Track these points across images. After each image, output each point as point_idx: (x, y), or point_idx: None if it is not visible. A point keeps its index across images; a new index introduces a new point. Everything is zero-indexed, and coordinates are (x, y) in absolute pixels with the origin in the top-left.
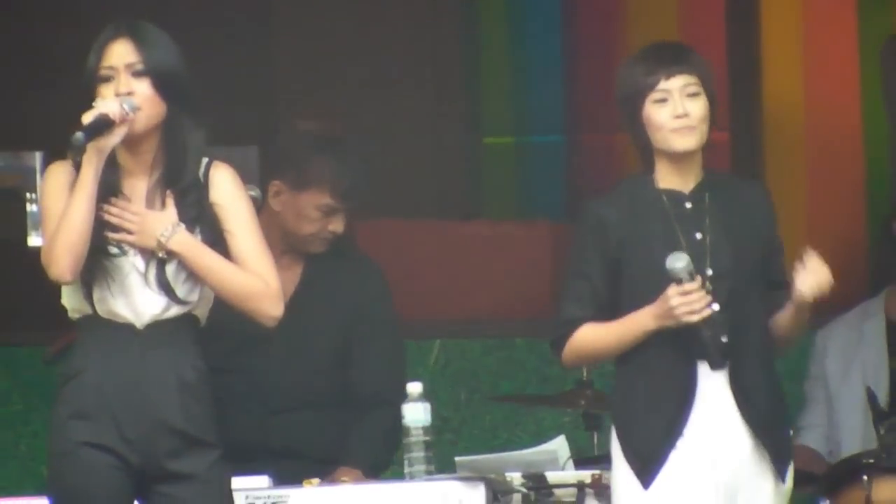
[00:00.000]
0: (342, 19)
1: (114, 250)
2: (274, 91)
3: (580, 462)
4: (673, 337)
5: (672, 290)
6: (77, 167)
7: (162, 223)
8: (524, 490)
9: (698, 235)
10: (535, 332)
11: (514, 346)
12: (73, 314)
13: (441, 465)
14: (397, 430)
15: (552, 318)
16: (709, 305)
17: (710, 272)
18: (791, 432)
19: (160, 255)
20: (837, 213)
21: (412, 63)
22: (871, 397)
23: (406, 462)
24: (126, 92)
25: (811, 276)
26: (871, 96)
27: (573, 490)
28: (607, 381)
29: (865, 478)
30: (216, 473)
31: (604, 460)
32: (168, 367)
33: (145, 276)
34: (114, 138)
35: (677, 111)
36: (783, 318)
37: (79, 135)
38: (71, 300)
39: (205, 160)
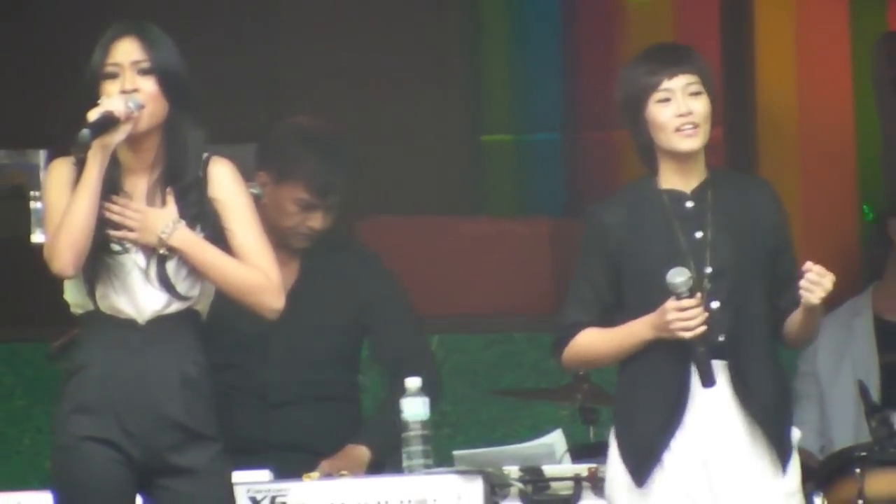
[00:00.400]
0: (345, 17)
1: (116, 248)
2: (277, 89)
3: (577, 455)
4: (671, 340)
5: (670, 304)
6: (80, 164)
7: (163, 220)
8: (521, 483)
9: (699, 234)
10: (533, 326)
11: (512, 340)
12: (76, 309)
13: (439, 458)
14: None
15: (552, 315)
16: (706, 308)
17: (709, 269)
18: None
19: (161, 251)
20: (830, 211)
21: (413, 62)
22: (864, 391)
23: (405, 456)
24: (132, 89)
25: (815, 286)
26: (864, 94)
27: (570, 483)
28: (604, 376)
29: (858, 471)
30: (217, 467)
31: (600, 453)
32: (170, 362)
33: (146, 272)
34: (118, 135)
35: (680, 110)
36: (794, 320)
37: (85, 131)
38: (73, 296)
39: (204, 155)
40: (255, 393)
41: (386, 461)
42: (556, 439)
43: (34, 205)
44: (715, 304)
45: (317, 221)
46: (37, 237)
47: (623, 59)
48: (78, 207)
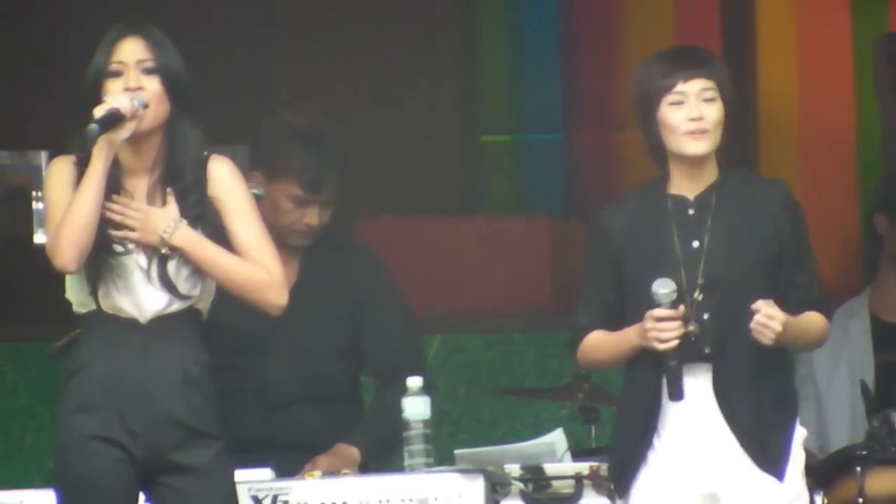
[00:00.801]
0: (342, 17)
1: (119, 249)
2: (274, 89)
3: (578, 454)
4: (649, 357)
5: (649, 313)
6: (80, 164)
7: (164, 219)
8: (522, 482)
9: (695, 243)
10: (533, 326)
11: (512, 340)
12: (78, 309)
13: (440, 457)
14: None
15: (551, 315)
16: (697, 319)
17: (701, 280)
18: (795, 433)
19: (163, 251)
20: (831, 211)
21: (411, 62)
22: (865, 390)
23: (406, 454)
24: (136, 87)
25: (764, 328)
26: (865, 94)
27: (571, 482)
28: (605, 376)
29: (858, 469)
30: (220, 465)
31: (601, 452)
32: (172, 361)
33: (147, 272)
34: (124, 132)
35: (692, 114)
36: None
37: (93, 126)
38: (75, 295)
39: (203, 153)
40: (257, 393)
41: (374, 462)
42: (557, 438)
43: (36, 205)
44: (705, 316)
45: (313, 217)
46: (39, 237)
47: (622, 60)
48: (82, 203)
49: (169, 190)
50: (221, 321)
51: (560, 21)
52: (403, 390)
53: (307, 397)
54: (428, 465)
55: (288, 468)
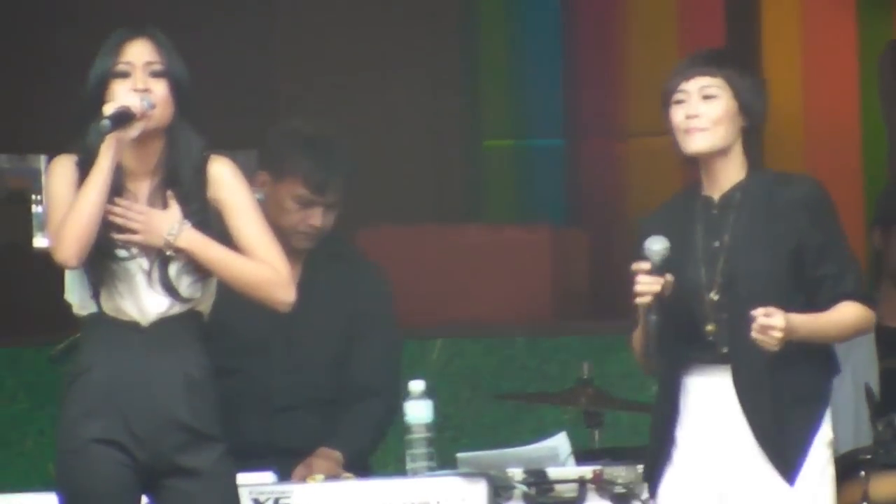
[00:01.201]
0: (342, 24)
1: (122, 254)
2: (274, 96)
3: (581, 458)
4: (672, 353)
5: (634, 266)
6: (83, 163)
7: (168, 221)
8: (525, 486)
9: (716, 243)
10: (535, 332)
11: (514, 345)
12: (78, 311)
13: (443, 461)
14: (384, 423)
15: (553, 321)
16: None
17: (720, 279)
18: (818, 434)
19: (168, 253)
20: None
21: (411, 68)
22: (870, 394)
23: (408, 458)
24: (143, 88)
25: (765, 336)
26: (870, 102)
27: (574, 486)
28: (607, 380)
29: (863, 473)
30: (223, 468)
31: (605, 456)
32: (174, 364)
33: (149, 275)
34: (133, 131)
35: (688, 111)
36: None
37: (105, 122)
38: (76, 296)
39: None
40: (259, 397)
41: (357, 466)
42: (560, 442)
43: (35, 209)
44: (724, 316)
45: (316, 219)
46: (38, 242)
47: (624, 68)
48: (87, 199)
49: (170, 193)
50: (224, 325)
51: (562, 27)
52: (368, 413)
53: (309, 402)
54: (430, 469)
55: (290, 472)
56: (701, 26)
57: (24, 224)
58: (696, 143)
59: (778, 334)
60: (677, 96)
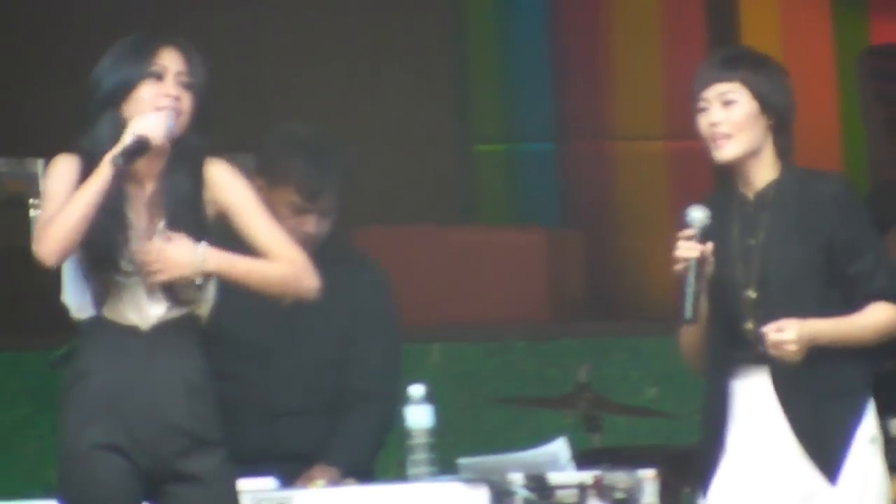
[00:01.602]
0: (334, 29)
1: (128, 268)
2: (269, 100)
3: (582, 463)
4: (718, 355)
5: (679, 234)
6: (84, 165)
7: (186, 251)
8: (526, 491)
9: (751, 241)
10: (533, 335)
11: (513, 349)
12: (77, 314)
13: (443, 466)
14: (382, 430)
15: (549, 324)
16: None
17: (756, 277)
18: (859, 431)
19: (198, 281)
20: None
21: (403, 73)
22: None
23: (409, 464)
24: (175, 95)
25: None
26: (849, 108)
27: (575, 491)
28: (606, 383)
29: None
30: (224, 473)
31: (605, 461)
32: (174, 369)
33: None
34: (146, 157)
35: (710, 119)
36: None
37: (117, 158)
38: (74, 299)
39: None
40: (259, 402)
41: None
42: (560, 447)
43: (33, 213)
44: (761, 314)
45: (310, 226)
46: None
47: (611, 69)
48: (77, 205)
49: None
50: (224, 330)
51: (550, 33)
52: (364, 421)
53: (310, 407)
54: (431, 474)
55: (290, 478)
56: (683, 30)
57: (23, 228)
58: (723, 153)
59: (792, 347)
60: (700, 104)
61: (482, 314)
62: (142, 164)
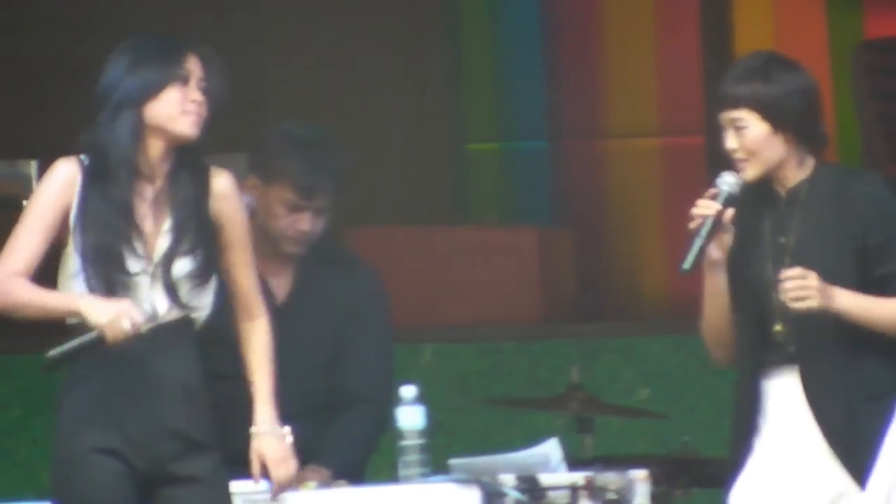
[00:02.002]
0: (328, 28)
1: (135, 269)
2: (263, 99)
3: (573, 464)
4: (747, 357)
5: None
6: (89, 166)
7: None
8: (517, 492)
9: (782, 239)
10: (523, 336)
11: (504, 349)
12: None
13: (435, 467)
14: (375, 431)
15: (541, 325)
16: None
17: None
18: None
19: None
20: None
21: (396, 72)
22: None
23: (400, 465)
24: (200, 101)
25: (797, 293)
26: (843, 103)
27: (566, 492)
28: (598, 383)
29: None
30: (219, 476)
31: (597, 462)
32: (172, 372)
33: (153, 280)
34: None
35: (728, 145)
36: None
37: (53, 354)
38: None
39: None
40: (251, 403)
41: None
42: (551, 448)
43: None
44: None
45: (305, 224)
46: None
47: (604, 67)
48: (31, 305)
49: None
50: (217, 331)
51: (543, 31)
52: (356, 422)
53: (303, 409)
54: (423, 475)
55: None
56: (676, 28)
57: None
58: (745, 176)
59: (813, 293)
60: (723, 122)
61: (474, 314)
62: (147, 166)
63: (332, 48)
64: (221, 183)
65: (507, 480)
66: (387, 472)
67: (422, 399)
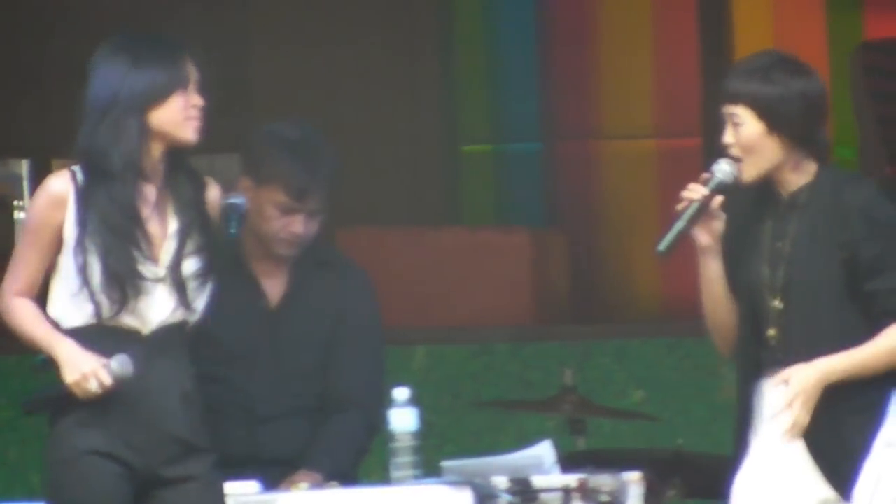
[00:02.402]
0: (320, 29)
1: (149, 270)
2: (254, 99)
3: (566, 466)
4: (745, 357)
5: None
6: (83, 173)
7: None
8: (510, 494)
9: (780, 245)
10: (516, 337)
11: (496, 351)
12: (70, 323)
13: (427, 469)
14: (367, 434)
15: (533, 326)
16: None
17: (781, 285)
18: (875, 447)
19: None
20: None
21: (389, 73)
22: None
23: (392, 466)
24: (202, 105)
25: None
26: (842, 105)
27: (559, 494)
28: (591, 386)
29: None
30: (214, 478)
31: (590, 464)
32: (170, 376)
33: (163, 282)
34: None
35: (724, 139)
36: None
37: (28, 404)
38: (70, 308)
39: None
40: (243, 406)
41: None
42: (544, 450)
43: (17, 215)
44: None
45: (298, 226)
46: None
47: (599, 68)
48: (24, 332)
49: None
50: (208, 332)
51: (537, 30)
52: (347, 426)
53: (294, 412)
54: (415, 477)
55: (274, 482)
56: (674, 29)
57: (6, 230)
58: (744, 176)
59: (797, 406)
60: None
61: (466, 316)
62: (148, 169)
63: (326, 50)
64: (213, 195)
65: (500, 482)
66: (378, 474)
67: (414, 401)
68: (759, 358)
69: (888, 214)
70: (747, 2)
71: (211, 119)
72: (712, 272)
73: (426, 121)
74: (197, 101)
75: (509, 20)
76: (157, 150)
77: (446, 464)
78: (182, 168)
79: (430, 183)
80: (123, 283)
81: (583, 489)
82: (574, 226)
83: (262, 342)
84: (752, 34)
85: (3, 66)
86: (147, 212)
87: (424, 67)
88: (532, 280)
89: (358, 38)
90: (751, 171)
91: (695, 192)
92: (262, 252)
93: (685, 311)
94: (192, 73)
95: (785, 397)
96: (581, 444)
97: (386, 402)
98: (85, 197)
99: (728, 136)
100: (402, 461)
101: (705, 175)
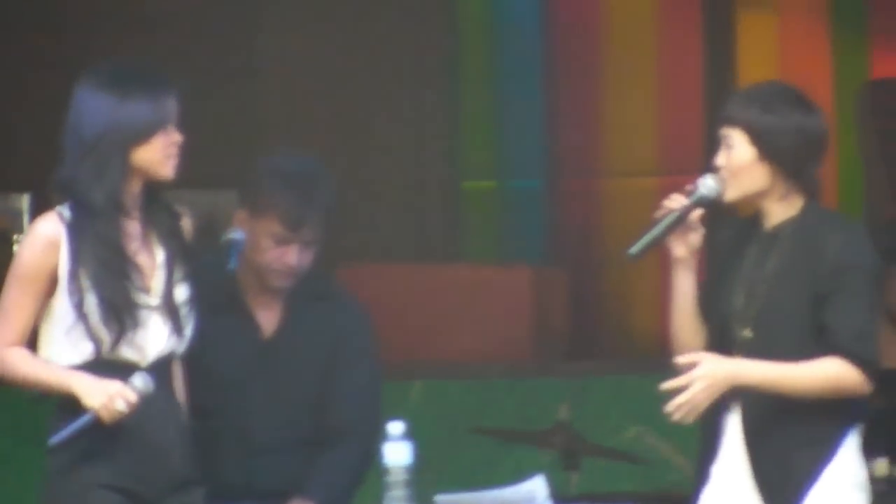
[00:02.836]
0: (325, 62)
1: (143, 301)
2: (256, 134)
3: (559, 501)
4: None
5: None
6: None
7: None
8: None
9: (757, 274)
10: (514, 374)
11: (493, 387)
12: (68, 360)
13: (421, 503)
14: (361, 467)
15: (532, 363)
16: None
17: (752, 316)
18: (829, 477)
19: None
20: None
21: (393, 108)
22: None
23: (386, 500)
24: (178, 142)
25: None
26: (846, 141)
27: None
28: (586, 422)
29: None
30: None
31: (582, 500)
32: (167, 407)
33: (160, 312)
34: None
35: (716, 161)
36: None
37: (55, 439)
38: (66, 347)
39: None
40: (238, 437)
41: None
42: (537, 485)
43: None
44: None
45: (292, 257)
46: None
47: (604, 107)
48: (27, 378)
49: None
50: (202, 364)
51: (542, 67)
52: (344, 457)
53: (289, 443)
54: None
55: None
56: (679, 65)
57: (5, 264)
58: (726, 196)
59: (699, 385)
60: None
61: (465, 352)
62: (128, 204)
63: (328, 84)
64: (186, 223)
65: None
66: None
67: (409, 435)
68: (723, 401)
69: (862, 259)
70: (752, 40)
71: (212, 155)
72: (684, 286)
73: (430, 157)
74: (177, 138)
75: (514, 57)
76: (136, 185)
77: (440, 498)
78: (158, 200)
79: (432, 219)
80: (121, 314)
81: None
82: (575, 263)
83: (257, 373)
84: (756, 73)
85: (4, 100)
86: (135, 245)
87: (428, 103)
88: (532, 317)
89: (362, 73)
90: (734, 192)
91: (675, 201)
92: (258, 284)
93: None
94: (174, 109)
95: (688, 376)
96: (574, 479)
97: (381, 435)
98: (75, 235)
99: (720, 159)
100: (396, 495)
101: (689, 187)
